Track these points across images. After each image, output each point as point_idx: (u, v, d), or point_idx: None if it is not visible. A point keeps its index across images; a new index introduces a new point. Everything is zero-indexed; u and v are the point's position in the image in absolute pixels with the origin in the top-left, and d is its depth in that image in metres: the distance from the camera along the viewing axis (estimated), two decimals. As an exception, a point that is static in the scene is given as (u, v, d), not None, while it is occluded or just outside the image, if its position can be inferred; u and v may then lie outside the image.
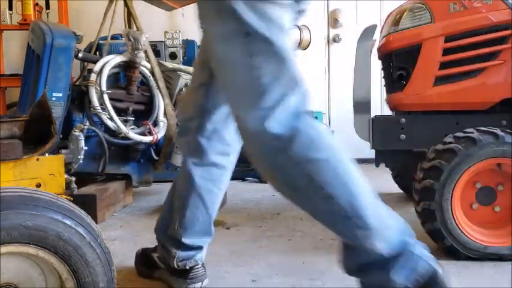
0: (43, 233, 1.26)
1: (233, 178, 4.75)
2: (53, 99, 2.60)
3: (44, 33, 2.59)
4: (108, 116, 2.93)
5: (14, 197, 1.28)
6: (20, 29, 4.89)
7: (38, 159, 1.58)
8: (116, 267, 1.43)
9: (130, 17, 3.11)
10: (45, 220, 1.27)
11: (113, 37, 3.80)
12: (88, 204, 2.79)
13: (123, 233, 2.80)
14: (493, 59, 2.50)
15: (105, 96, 2.88)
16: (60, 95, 2.63)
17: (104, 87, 2.88)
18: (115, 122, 2.92)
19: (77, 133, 2.63)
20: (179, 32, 4.70)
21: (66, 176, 2.38)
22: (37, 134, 1.68)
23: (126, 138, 3.04)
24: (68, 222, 1.30)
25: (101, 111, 2.85)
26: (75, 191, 2.39)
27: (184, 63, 4.48)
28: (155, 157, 3.30)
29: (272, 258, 2.29)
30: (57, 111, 2.64)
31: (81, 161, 2.66)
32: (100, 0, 4.45)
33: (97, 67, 2.89)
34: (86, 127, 2.73)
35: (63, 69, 2.63)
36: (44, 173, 1.59)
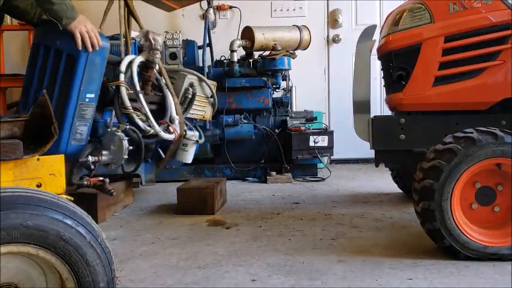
0: (43, 232, 1.26)
1: (233, 178, 4.83)
2: (86, 100, 2.53)
3: None
4: (139, 116, 2.89)
5: (14, 197, 1.28)
6: (20, 29, 4.89)
7: (38, 159, 1.59)
8: (117, 266, 1.44)
9: (129, 16, 3.10)
10: (45, 220, 1.27)
11: (112, 38, 3.79)
12: (89, 204, 2.79)
13: (124, 233, 2.81)
14: (493, 59, 2.51)
15: (141, 96, 2.86)
16: (93, 96, 2.56)
17: (138, 87, 2.86)
18: (151, 121, 2.91)
19: (119, 133, 2.65)
20: (179, 32, 4.71)
21: (101, 178, 2.44)
22: (37, 134, 1.68)
23: (148, 137, 3.03)
24: (68, 222, 1.31)
25: (132, 111, 2.84)
26: (114, 192, 2.48)
27: (184, 63, 4.50)
28: (163, 155, 3.31)
29: (272, 258, 2.30)
30: (89, 113, 2.58)
31: (124, 161, 2.68)
32: (101, 0, 4.45)
33: (123, 67, 2.86)
34: (127, 127, 2.74)
35: (97, 70, 2.56)
36: (44, 173, 1.59)
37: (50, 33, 2.50)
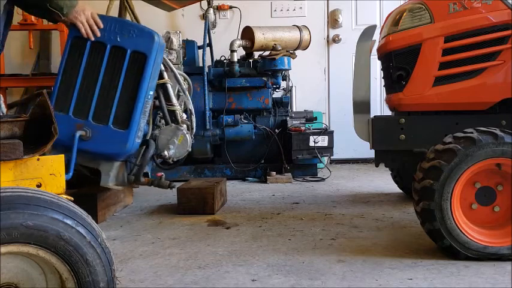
0: (43, 232, 1.26)
1: (233, 178, 4.83)
2: (149, 97, 2.53)
3: (150, 32, 2.52)
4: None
5: (14, 197, 1.28)
6: (20, 29, 4.89)
7: (38, 159, 1.58)
8: (117, 266, 1.44)
9: (121, 13, 3.10)
10: (45, 220, 1.27)
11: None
12: (89, 204, 2.79)
13: (124, 233, 2.81)
14: (493, 59, 2.51)
15: (187, 93, 2.90)
16: (152, 92, 2.58)
17: (183, 85, 2.88)
18: (193, 117, 2.95)
19: (183, 129, 2.70)
20: (179, 32, 4.71)
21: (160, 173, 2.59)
22: (37, 134, 1.68)
23: None
24: (68, 222, 1.31)
25: (179, 108, 2.86)
26: (174, 185, 2.70)
27: (184, 64, 4.49)
28: None
29: (272, 258, 2.30)
30: (149, 110, 2.59)
31: (185, 155, 2.76)
32: (101, 0, 4.46)
33: (161, 66, 2.90)
34: (188, 122, 2.79)
35: (159, 66, 2.59)
36: (44, 173, 1.59)
37: (106, 28, 2.47)
